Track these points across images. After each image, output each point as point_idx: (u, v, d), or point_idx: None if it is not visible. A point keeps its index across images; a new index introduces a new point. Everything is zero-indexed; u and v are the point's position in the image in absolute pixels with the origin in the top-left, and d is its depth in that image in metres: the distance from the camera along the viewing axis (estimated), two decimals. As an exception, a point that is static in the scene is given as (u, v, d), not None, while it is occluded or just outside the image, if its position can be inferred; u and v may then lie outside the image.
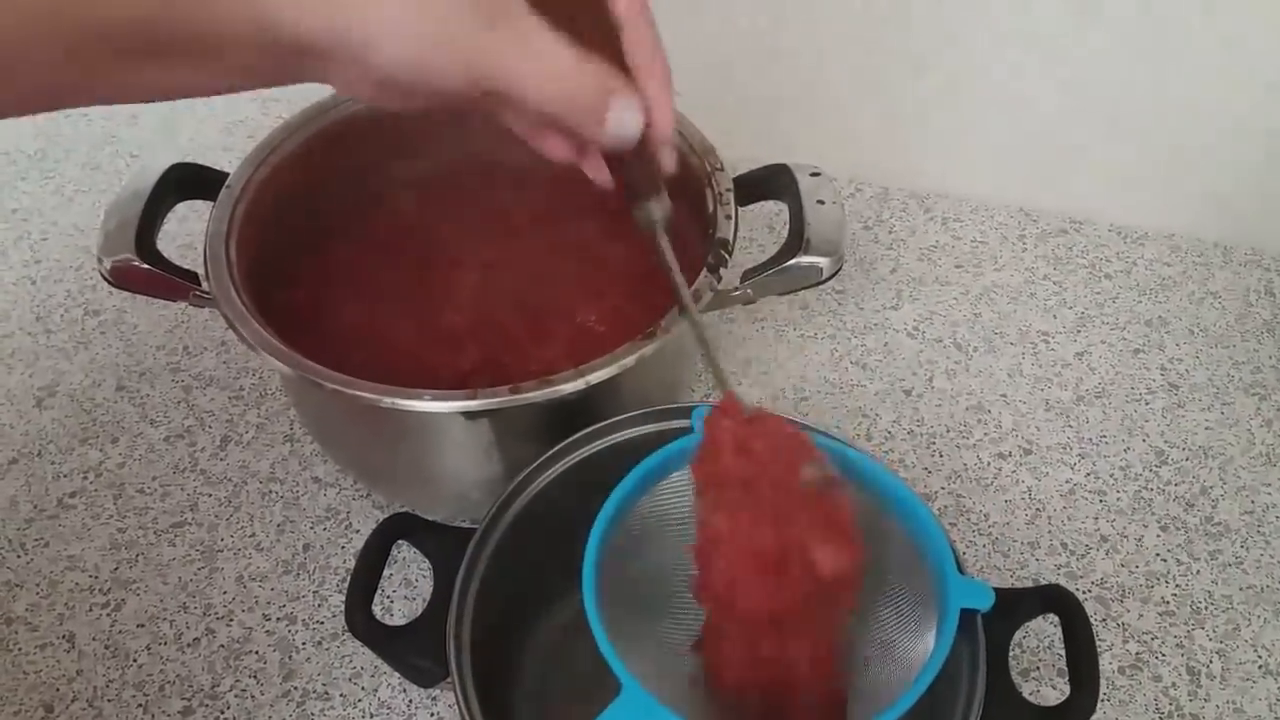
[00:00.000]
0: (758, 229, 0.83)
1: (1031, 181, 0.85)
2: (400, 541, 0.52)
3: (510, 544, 0.52)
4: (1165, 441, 0.70)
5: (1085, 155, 0.82)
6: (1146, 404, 0.72)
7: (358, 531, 0.65)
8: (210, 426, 0.71)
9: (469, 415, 0.53)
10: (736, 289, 0.60)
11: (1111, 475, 0.68)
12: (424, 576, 0.63)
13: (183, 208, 0.64)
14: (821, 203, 0.61)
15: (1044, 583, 0.60)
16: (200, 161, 0.64)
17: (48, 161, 0.91)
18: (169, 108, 0.96)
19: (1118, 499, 0.67)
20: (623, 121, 0.40)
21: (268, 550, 0.65)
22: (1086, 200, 0.84)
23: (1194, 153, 0.79)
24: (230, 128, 0.94)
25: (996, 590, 0.48)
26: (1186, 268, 0.81)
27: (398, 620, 0.61)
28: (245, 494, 0.67)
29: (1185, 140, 0.79)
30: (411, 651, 0.48)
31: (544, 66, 0.38)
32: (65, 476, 0.68)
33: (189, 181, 0.63)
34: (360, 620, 0.47)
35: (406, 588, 0.63)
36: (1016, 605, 0.49)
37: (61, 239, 0.84)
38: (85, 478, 0.68)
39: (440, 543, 0.51)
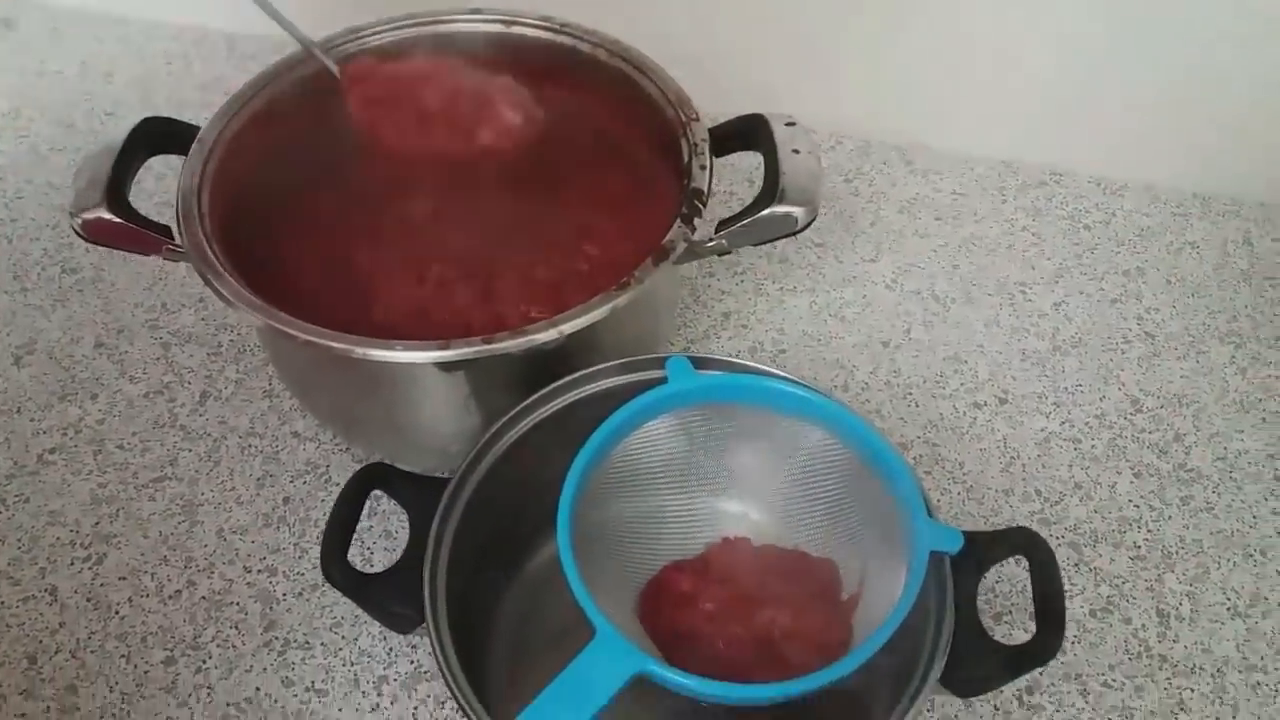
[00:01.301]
0: (738, 183, 0.82)
1: (1013, 134, 0.85)
2: (381, 494, 0.52)
3: (486, 492, 0.53)
4: (1140, 390, 0.70)
5: (1066, 107, 0.82)
6: (1123, 353, 0.72)
7: (337, 485, 0.66)
8: (189, 382, 0.71)
9: (442, 366, 0.53)
10: (711, 240, 0.60)
11: (1086, 423, 0.69)
12: (404, 528, 0.63)
13: (161, 165, 0.64)
14: (797, 152, 0.61)
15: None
16: (178, 119, 0.63)
17: (21, 120, 0.90)
18: (144, 66, 0.95)
19: (1092, 446, 0.67)
20: None
21: (248, 504, 0.65)
22: (1067, 152, 0.84)
23: (1175, 104, 0.79)
24: (207, 85, 0.93)
25: (965, 534, 0.49)
26: (1165, 218, 0.81)
27: (378, 570, 0.62)
28: (225, 449, 0.68)
29: (1166, 91, 0.79)
30: (387, 597, 0.49)
31: None
32: (45, 433, 0.69)
33: (161, 135, 0.62)
34: (336, 567, 0.48)
35: (387, 539, 0.63)
36: (985, 548, 0.50)
37: (37, 197, 0.83)
38: (65, 434, 0.68)
39: (416, 492, 0.52)
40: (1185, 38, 0.75)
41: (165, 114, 0.64)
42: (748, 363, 0.54)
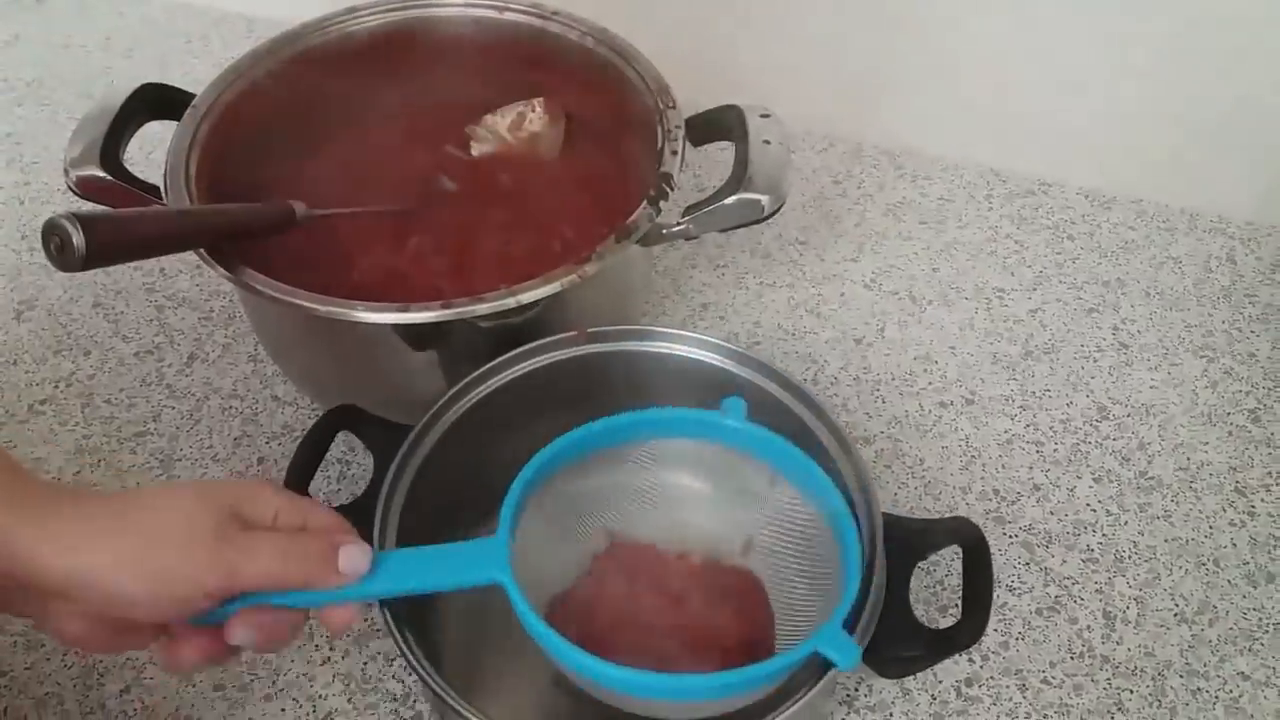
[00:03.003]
0: (717, 176, 0.83)
1: (1003, 142, 0.85)
2: (354, 457, 0.54)
3: (448, 443, 0.54)
4: (1109, 398, 0.71)
5: (1057, 118, 0.83)
6: (1095, 361, 0.73)
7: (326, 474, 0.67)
8: (179, 344, 0.74)
9: (403, 329, 0.55)
10: (679, 223, 0.61)
11: (1051, 427, 0.69)
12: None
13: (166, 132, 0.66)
14: (768, 142, 0.62)
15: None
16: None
17: (44, 89, 0.94)
18: (165, 45, 0.99)
19: (1054, 450, 0.68)
20: (353, 558, 0.42)
21: (224, 461, 0.67)
22: (1057, 163, 0.85)
23: (1164, 119, 0.80)
24: (223, 65, 0.95)
25: (903, 519, 0.49)
26: (1150, 232, 0.82)
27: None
28: (207, 408, 0.70)
29: (1156, 106, 0.79)
30: None
31: (267, 555, 0.40)
32: (37, 385, 0.71)
33: (158, 101, 0.65)
34: None
35: (353, 484, 0.65)
36: (923, 534, 0.50)
37: (52, 163, 0.87)
38: (56, 386, 0.71)
39: (383, 435, 0.54)
40: (1174, 52, 0.76)
41: (182, 89, 0.66)
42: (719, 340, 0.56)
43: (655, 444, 0.51)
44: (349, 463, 0.67)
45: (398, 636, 0.46)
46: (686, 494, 0.53)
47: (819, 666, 0.44)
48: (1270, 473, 0.67)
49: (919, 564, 0.50)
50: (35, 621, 0.41)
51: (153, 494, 0.41)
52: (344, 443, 0.68)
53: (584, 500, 0.52)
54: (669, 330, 0.57)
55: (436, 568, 0.44)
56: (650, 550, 0.53)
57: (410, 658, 0.45)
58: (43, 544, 0.37)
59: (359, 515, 0.49)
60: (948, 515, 0.64)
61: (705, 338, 0.56)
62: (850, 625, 0.44)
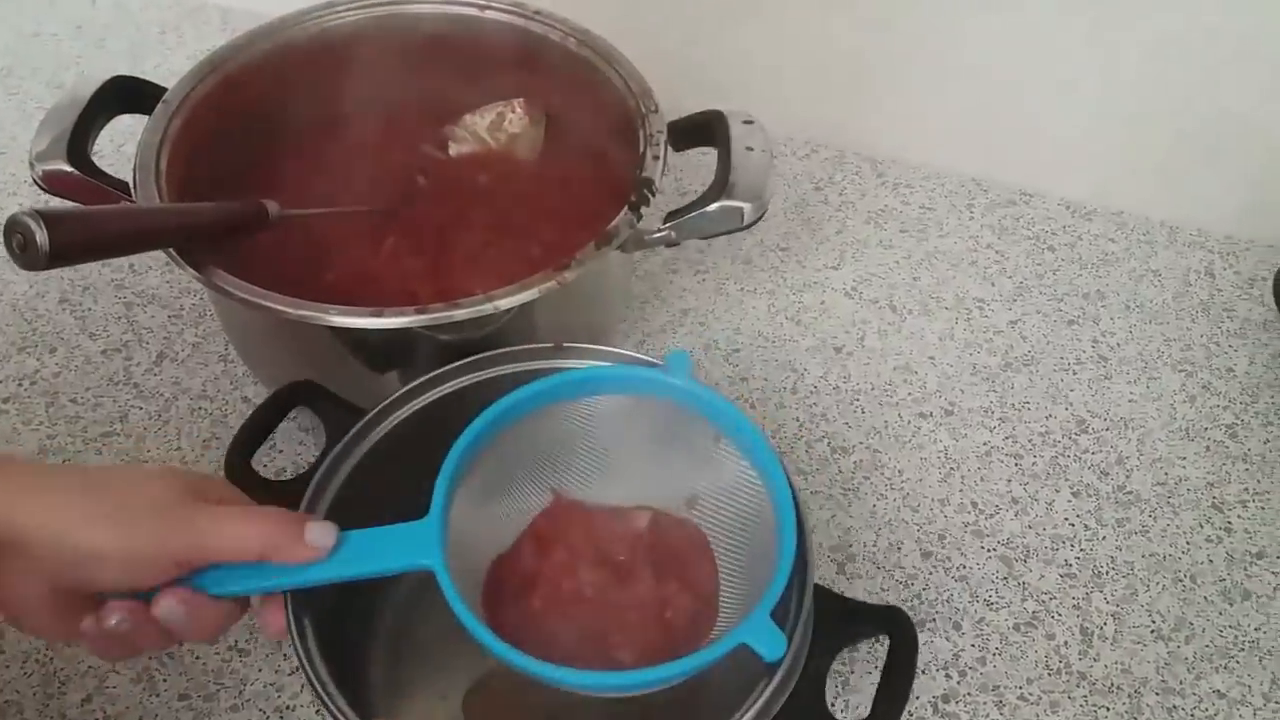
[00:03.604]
0: (698, 181, 0.83)
1: (985, 152, 0.85)
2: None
3: (401, 435, 0.53)
4: (1088, 411, 0.71)
5: (1040, 129, 0.83)
6: (1074, 374, 0.73)
7: (280, 451, 0.66)
8: (147, 342, 0.72)
9: (377, 333, 0.54)
10: (659, 230, 0.60)
11: (1030, 440, 0.69)
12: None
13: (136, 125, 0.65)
14: (750, 149, 0.61)
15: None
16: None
17: (13, 78, 0.92)
18: (139, 34, 0.97)
19: (1033, 463, 0.68)
20: (320, 533, 0.42)
21: (192, 464, 0.66)
22: (1038, 174, 0.85)
23: (1146, 132, 0.80)
24: (197, 56, 0.93)
25: (835, 596, 0.48)
26: (1131, 245, 0.81)
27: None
28: (175, 409, 0.68)
29: (1138, 119, 0.79)
30: (279, 502, 0.46)
31: (237, 523, 0.41)
32: (1, 383, 0.69)
33: (128, 94, 0.63)
34: (238, 465, 0.50)
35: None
36: (852, 619, 0.48)
37: (19, 154, 0.84)
38: (20, 384, 0.69)
39: (338, 413, 0.53)
40: (1158, 65, 0.76)
41: (154, 82, 0.65)
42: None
43: (597, 401, 0.49)
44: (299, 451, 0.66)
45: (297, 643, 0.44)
46: (629, 450, 0.50)
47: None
48: (1247, 489, 0.67)
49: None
50: None
51: (123, 467, 0.44)
52: (297, 438, 0.67)
53: (524, 460, 0.49)
54: (638, 356, 0.53)
55: (362, 553, 0.43)
56: (592, 510, 0.50)
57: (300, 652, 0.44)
58: (14, 495, 0.38)
59: (299, 493, 0.49)
60: (927, 527, 0.64)
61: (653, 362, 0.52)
62: (778, 617, 0.42)
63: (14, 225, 0.46)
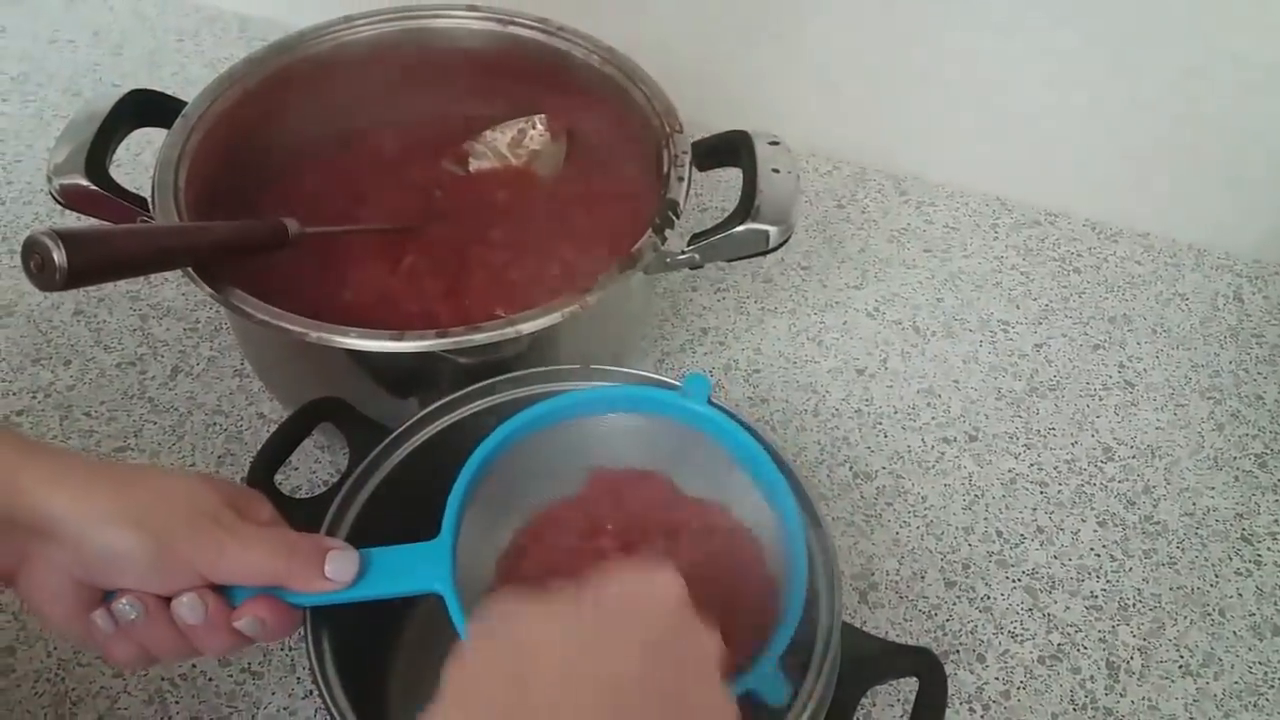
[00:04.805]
0: (730, 199, 0.82)
1: (1010, 171, 0.84)
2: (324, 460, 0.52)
3: (426, 453, 0.52)
4: (1114, 438, 0.69)
5: (1065, 149, 0.82)
6: (1100, 400, 0.71)
7: (296, 469, 0.66)
8: (163, 356, 0.71)
9: (397, 356, 0.53)
10: (684, 252, 0.59)
11: (1055, 468, 0.68)
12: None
13: (154, 133, 0.64)
14: (776, 171, 0.61)
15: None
16: (183, 98, 0.64)
17: (29, 85, 0.91)
18: (156, 41, 0.96)
19: (1059, 491, 0.66)
20: (341, 564, 0.42)
21: (206, 481, 0.65)
22: (1063, 194, 0.84)
23: (1172, 153, 0.79)
24: (215, 63, 0.94)
25: (862, 635, 0.46)
26: (1157, 267, 0.80)
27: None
28: (190, 424, 0.68)
29: (1164, 140, 0.78)
30: (302, 520, 0.46)
31: (262, 546, 0.41)
32: (14, 394, 0.69)
33: (148, 108, 0.63)
34: (261, 480, 0.49)
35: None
36: (881, 659, 0.47)
37: (35, 162, 0.84)
38: (34, 397, 0.69)
39: (364, 431, 0.52)
40: (1184, 86, 0.75)
41: (171, 90, 0.64)
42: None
43: (610, 419, 0.48)
44: (314, 469, 0.65)
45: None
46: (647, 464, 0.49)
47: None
48: (1277, 520, 0.66)
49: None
50: (4, 573, 0.40)
51: (159, 471, 0.42)
52: (313, 455, 0.66)
53: (535, 479, 0.48)
54: (662, 379, 0.51)
55: (371, 573, 0.42)
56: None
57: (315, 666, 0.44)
58: (49, 484, 0.38)
59: (322, 512, 0.48)
60: (950, 556, 0.63)
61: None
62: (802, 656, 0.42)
63: (32, 246, 0.46)
